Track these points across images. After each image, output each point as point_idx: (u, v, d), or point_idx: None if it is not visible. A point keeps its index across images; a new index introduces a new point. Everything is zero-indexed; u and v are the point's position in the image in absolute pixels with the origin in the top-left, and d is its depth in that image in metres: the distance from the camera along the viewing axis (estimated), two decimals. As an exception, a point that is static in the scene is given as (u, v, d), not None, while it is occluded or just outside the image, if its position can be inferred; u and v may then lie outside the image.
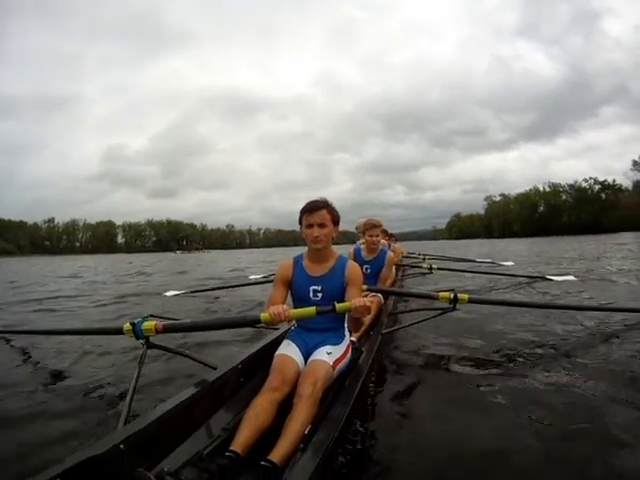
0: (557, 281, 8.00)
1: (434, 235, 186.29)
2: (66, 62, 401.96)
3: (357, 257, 4.79)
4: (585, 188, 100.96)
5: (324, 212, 2.61)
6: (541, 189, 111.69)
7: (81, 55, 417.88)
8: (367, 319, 3.71)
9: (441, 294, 3.88)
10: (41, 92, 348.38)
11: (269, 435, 2.05)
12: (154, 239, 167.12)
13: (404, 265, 9.46)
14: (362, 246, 4.99)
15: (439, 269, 9.13)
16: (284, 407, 2.23)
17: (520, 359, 3.74)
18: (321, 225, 2.61)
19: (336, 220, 2.70)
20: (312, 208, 2.62)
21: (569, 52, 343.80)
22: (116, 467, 1.73)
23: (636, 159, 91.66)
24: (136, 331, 2.59)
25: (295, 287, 2.76)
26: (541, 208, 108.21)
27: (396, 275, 7.47)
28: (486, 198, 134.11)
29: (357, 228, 6.20)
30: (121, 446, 1.78)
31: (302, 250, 2.86)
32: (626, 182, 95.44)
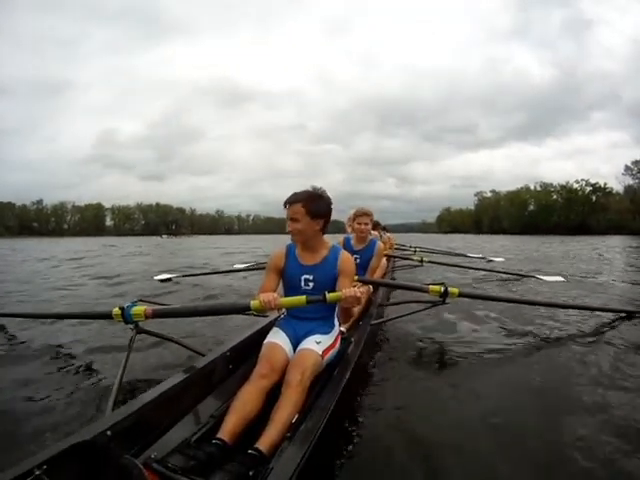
0: (546, 281, 8.02)
1: (423, 228, 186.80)
2: (62, 46, 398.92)
3: (347, 246, 4.67)
4: (576, 189, 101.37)
5: (296, 206, 2.55)
6: (532, 188, 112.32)
7: (77, 40, 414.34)
8: (356, 310, 3.71)
9: (431, 287, 3.87)
10: (35, 75, 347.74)
11: (257, 423, 2.05)
12: (143, 223, 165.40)
13: (395, 256, 9.44)
14: (352, 235, 4.94)
15: (430, 262, 9.13)
16: (272, 395, 2.22)
17: (507, 353, 3.79)
18: (293, 219, 2.56)
19: (315, 213, 2.59)
20: (286, 202, 2.59)
21: (561, 57, 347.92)
22: (103, 454, 1.72)
23: (628, 164, 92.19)
24: (125, 316, 2.57)
25: (287, 275, 2.74)
26: (531, 207, 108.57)
27: (387, 266, 7.46)
28: (477, 194, 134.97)
29: (348, 220, 6.14)
30: (108, 432, 1.77)
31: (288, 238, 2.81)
32: (618, 186, 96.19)
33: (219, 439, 1.90)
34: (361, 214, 4.66)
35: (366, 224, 4.67)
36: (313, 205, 2.58)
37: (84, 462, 1.66)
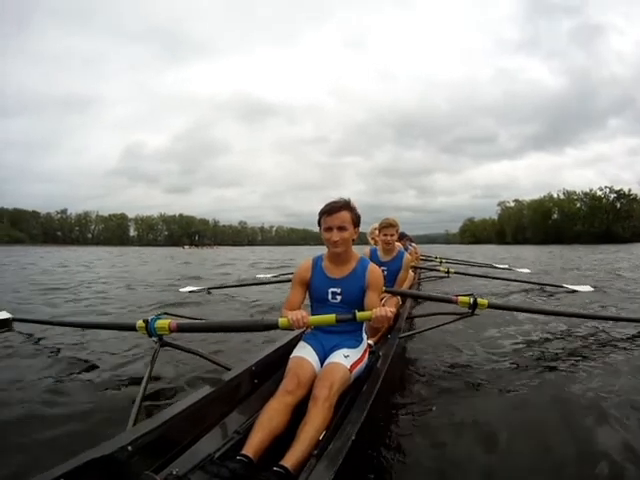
0: (575, 290, 7.87)
1: (447, 239, 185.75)
2: (89, 64, 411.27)
3: (373, 258, 4.58)
4: (600, 197, 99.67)
5: (344, 213, 2.51)
6: (555, 196, 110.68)
7: (104, 58, 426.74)
8: None
9: (460, 298, 3.79)
10: (65, 91, 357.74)
11: (283, 440, 1.98)
12: (166, 233, 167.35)
13: (421, 268, 9.32)
14: (378, 247, 4.87)
15: (456, 273, 9.00)
16: (299, 411, 2.16)
17: (540, 367, 3.64)
18: (340, 228, 2.51)
19: (357, 221, 2.59)
20: (331, 210, 2.52)
21: (572, 65, 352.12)
22: (122, 469, 1.68)
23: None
24: (149, 329, 2.55)
25: (313, 288, 2.69)
26: (555, 215, 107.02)
27: (413, 278, 7.35)
28: (500, 203, 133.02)
29: (370, 234, 6.08)
30: (129, 447, 1.73)
31: (311, 249, 2.75)
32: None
33: (243, 455, 1.84)
34: (386, 225, 4.61)
35: (392, 235, 4.61)
36: (356, 213, 2.59)
37: (103, 477, 1.62)
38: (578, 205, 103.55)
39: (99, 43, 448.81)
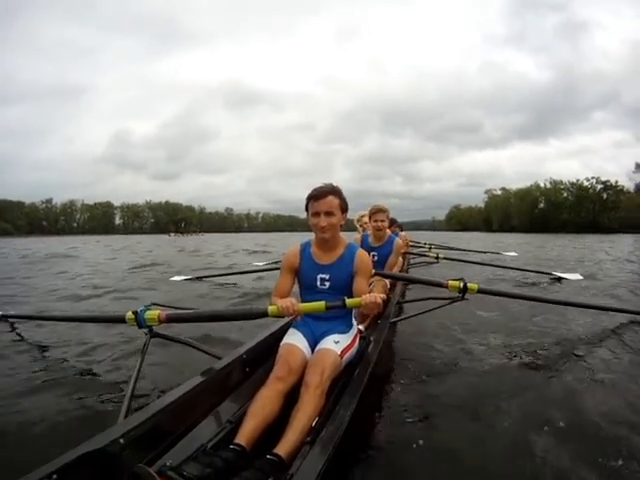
0: (565, 278, 7.92)
1: (434, 225, 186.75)
2: (83, 54, 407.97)
3: (364, 244, 4.64)
4: (586, 187, 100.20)
5: (331, 198, 2.51)
6: (542, 185, 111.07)
7: (97, 48, 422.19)
8: None
9: (451, 282, 3.82)
10: (56, 81, 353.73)
11: (275, 427, 1.98)
12: (152, 221, 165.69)
13: (411, 253, 9.35)
14: (369, 232, 4.88)
15: (445, 259, 9.08)
16: (291, 398, 2.15)
17: (527, 354, 3.69)
18: (328, 213, 2.51)
19: (344, 207, 2.59)
20: (319, 195, 2.51)
21: (558, 60, 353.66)
22: (115, 462, 1.65)
23: (639, 162, 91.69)
24: (139, 320, 2.53)
25: (302, 275, 2.69)
26: (541, 204, 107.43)
27: (402, 264, 7.38)
28: (486, 191, 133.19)
29: (357, 221, 6.05)
30: (121, 440, 1.71)
31: (299, 235, 2.73)
32: (628, 183, 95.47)
33: (236, 444, 1.83)
34: (376, 211, 4.62)
35: (382, 221, 4.62)
36: (343, 198, 2.58)
37: (96, 471, 1.60)
38: (565, 195, 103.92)
39: (94, 32, 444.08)
